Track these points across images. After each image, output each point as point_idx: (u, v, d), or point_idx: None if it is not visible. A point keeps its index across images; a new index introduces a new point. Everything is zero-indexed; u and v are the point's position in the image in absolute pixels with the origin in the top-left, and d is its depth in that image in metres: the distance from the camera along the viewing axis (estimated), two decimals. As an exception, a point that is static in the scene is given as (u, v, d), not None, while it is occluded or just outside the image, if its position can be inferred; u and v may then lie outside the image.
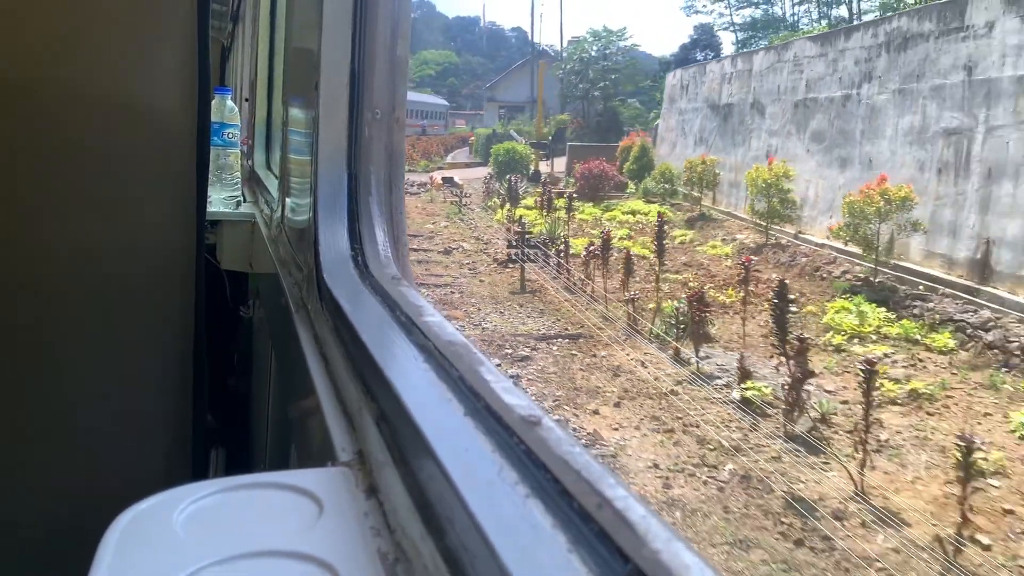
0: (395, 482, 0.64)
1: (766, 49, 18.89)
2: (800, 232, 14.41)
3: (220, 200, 2.23)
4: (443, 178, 25.33)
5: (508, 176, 22.28)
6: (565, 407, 7.50)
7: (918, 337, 9.35)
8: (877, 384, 6.44)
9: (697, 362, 8.51)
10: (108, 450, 1.58)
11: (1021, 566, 4.87)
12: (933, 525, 5.23)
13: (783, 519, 5.48)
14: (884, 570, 4.89)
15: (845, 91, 14.18)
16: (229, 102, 2.26)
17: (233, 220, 2.13)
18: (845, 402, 7.50)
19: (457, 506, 0.51)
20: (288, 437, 1.28)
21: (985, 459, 5.60)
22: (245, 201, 2.35)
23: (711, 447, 6.64)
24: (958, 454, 5.10)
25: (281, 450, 1.44)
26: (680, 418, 7.25)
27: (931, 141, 11.58)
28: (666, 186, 19.36)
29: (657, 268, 11.42)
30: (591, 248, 11.94)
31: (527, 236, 13.64)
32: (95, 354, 1.57)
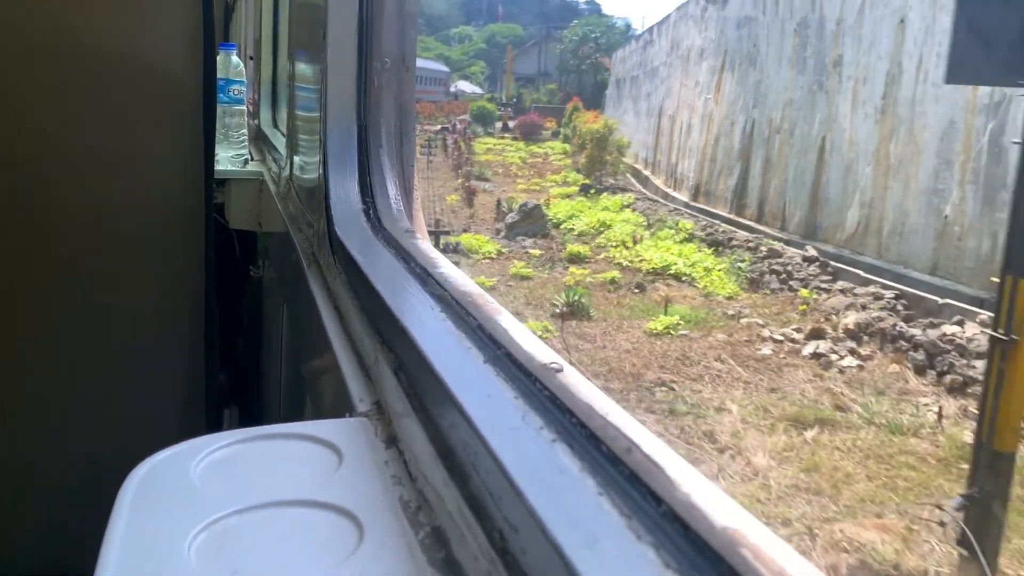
0: (415, 431, 0.63)
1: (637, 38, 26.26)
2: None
3: (227, 159, 2.21)
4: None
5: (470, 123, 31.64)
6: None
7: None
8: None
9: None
10: (122, 410, 1.59)
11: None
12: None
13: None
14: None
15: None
16: (234, 58, 2.22)
17: (241, 179, 2.11)
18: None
19: (481, 451, 0.50)
20: (302, 393, 1.28)
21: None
22: (252, 160, 2.33)
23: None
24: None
25: (295, 406, 1.44)
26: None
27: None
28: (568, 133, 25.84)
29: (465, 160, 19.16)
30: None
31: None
32: (106, 316, 1.57)
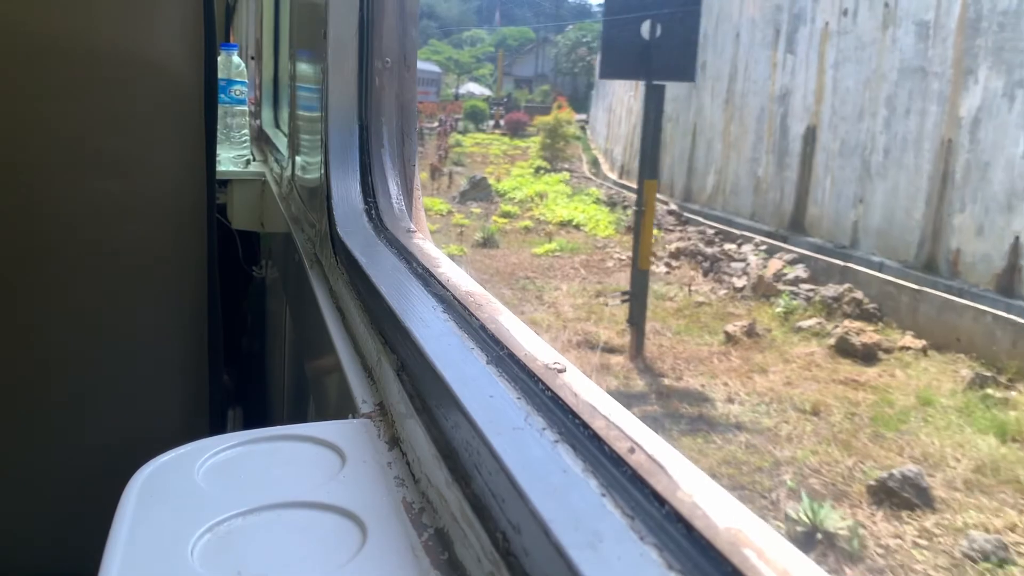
0: (418, 432, 0.63)
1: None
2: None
3: (229, 159, 2.21)
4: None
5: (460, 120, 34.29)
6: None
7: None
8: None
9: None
10: (126, 412, 1.59)
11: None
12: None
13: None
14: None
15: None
16: (236, 58, 2.22)
17: (243, 179, 2.11)
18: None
19: (484, 453, 0.50)
20: (306, 393, 1.28)
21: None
22: (254, 160, 2.33)
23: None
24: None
25: (299, 406, 1.44)
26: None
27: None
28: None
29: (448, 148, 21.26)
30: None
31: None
32: (109, 317, 1.57)
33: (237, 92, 2.22)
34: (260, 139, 2.83)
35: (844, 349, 6.36)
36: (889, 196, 7.79)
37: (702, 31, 10.38)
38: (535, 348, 0.63)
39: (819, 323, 7.00)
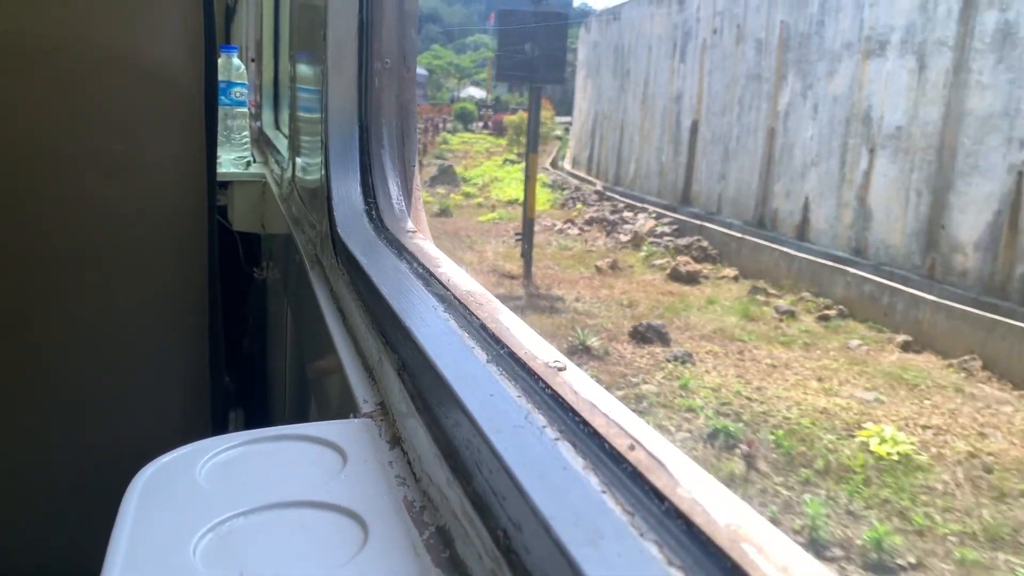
0: (419, 431, 0.63)
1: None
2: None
3: (230, 161, 2.21)
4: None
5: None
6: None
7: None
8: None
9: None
10: (128, 413, 1.59)
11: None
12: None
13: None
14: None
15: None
16: (236, 60, 2.22)
17: (244, 181, 2.11)
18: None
19: (484, 451, 0.50)
20: (307, 394, 1.28)
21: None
22: (255, 162, 2.34)
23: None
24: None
25: (300, 407, 1.44)
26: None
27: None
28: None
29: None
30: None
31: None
32: (110, 319, 1.57)
33: (237, 94, 2.22)
34: (260, 141, 2.84)
35: (675, 275, 9.18)
36: (739, 173, 10.59)
37: (627, 43, 15.19)
38: (535, 347, 0.63)
39: (668, 261, 9.76)
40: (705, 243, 10.33)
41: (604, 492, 0.43)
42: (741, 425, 4.99)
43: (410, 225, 1.12)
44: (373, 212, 1.15)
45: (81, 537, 0.98)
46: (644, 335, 6.86)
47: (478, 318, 0.71)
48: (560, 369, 0.58)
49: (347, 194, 1.17)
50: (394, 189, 1.15)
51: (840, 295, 7.72)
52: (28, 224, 1.48)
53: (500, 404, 0.55)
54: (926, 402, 5.45)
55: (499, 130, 32.75)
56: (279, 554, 0.54)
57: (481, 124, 36.73)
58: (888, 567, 3.71)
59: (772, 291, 8.42)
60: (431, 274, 0.87)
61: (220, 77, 2.02)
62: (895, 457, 4.47)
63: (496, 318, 0.71)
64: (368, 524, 0.56)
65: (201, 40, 1.51)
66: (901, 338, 6.70)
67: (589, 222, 12.86)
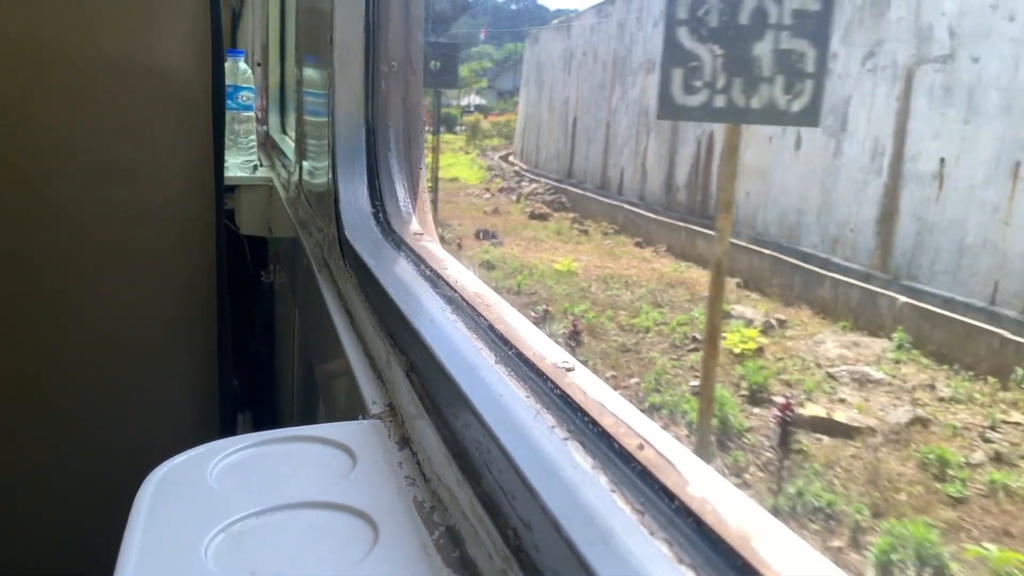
0: (428, 432, 0.64)
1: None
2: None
3: (237, 165, 2.22)
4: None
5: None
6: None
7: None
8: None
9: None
10: (137, 416, 1.60)
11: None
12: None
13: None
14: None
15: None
16: (242, 64, 2.23)
17: (251, 185, 2.12)
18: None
19: (494, 451, 0.50)
20: (315, 396, 1.29)
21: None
22: (262, 165, 2.34)
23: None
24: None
25: (308, 409, 1.45)
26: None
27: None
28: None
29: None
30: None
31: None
32: (119, 324, 1.58)
33: (244, 98, 2.23)
34: (267, 145, 2.85)
35: (532, 215, 12.92)
36: (594, 154, 14.44)
37: (543, 60, 18.62)
38: (543, 347, 0.64)
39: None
40: (564, 199, 14.63)
41: (614, 491, 0.43)
42: (502, 265, 9.11)
43: (417, 227, 1.12)
44: (380, 215, 1.16)
45: (94, 539, 0.99)
46: (483, 235, 10.87)
47: (486, 319, 0.71)
48: (569, 370, 0.58)
49: (354, 197, 1.17)
50: (401, 192, 1.16)
51: (621, 222, 12.19)
52: (37, 228, 1.49)
53: (509, 404, 0.55)
54: (614, 261, 9.79)
55: (488, 133, 35.14)
56: (290, 555, 0.54)
57: (462, 127, 39.37)
58: (520, 292, 7.90)
59: (587, 222, 12.50)
60: (439, 276, 0.87)
61: (227, 81, 2.02)
62: (566, 270, 8.76)
63: (504, 319, 0.71)
64: (378, 525, 0.57)
65: (208, 44, 1.51)
66: (636, 240, 11.13)
67: (500, 190, 16.69)
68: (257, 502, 0.60)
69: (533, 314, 7.01)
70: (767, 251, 8.53)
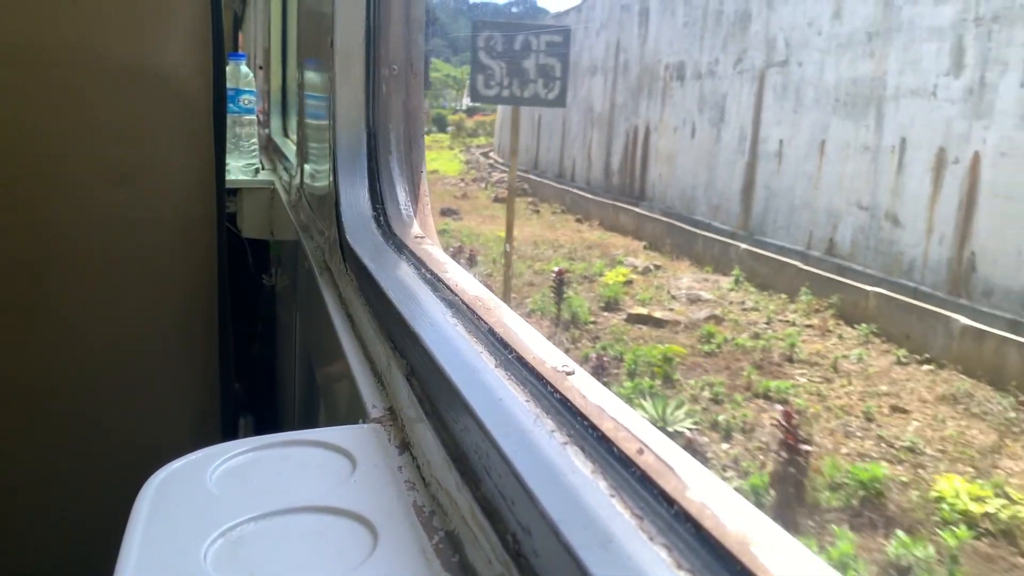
0: (428, 436, 0.64)
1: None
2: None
3: (238, 168, 2.22)
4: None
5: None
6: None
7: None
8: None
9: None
10: (138, 420, 1.60)
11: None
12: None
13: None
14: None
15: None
16: (244, 68, 2.24)
17: (252, 188, 2.12)
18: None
19: (493, 455, 0.50)
20: (316, 400, 1.29)
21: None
22: (263, 169, 2.34)
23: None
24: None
25: (309, 413, 1.45)
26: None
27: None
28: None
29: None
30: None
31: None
32: (120, 327, 1.58)
33: (246, 101, 2.23)
34: (269, 148, 2.85)
35: (495, 199, 14.78)
36: (555, 148, 17.17)
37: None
38: (543, 351, 0.63)
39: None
40: (526, 186, 17.00)
41: (613, 496, 0.43)
42: (456, 233, 11.08)
43: (418, 231, 1.12)
44: (381, 218, 1.16)
45: (93, 542, 0.99)
46: (447, 213, 12.63)
47: (486, 323, 0.71)
48: (568, 373, 0.58)
49: (355, 200, 1.17)
50: (402, 195, 1.16)
51: (568, 203, 14.74)
52: (38, 231, 1.49)
53: (509, 408, 0.55)
54: (553, 231, 12.27)
55: (472, 132, 37.26)
56: (289, 559, 0.54)
57: (452, 127, 40.76)
58: (461, 248, 9.76)
59: (541, 204, 15.32)
60: (439, 279, 0.87)
61: (228, 85, 2.03)
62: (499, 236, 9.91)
63: (504, 323, 0.71)
64: (378, 529, 0.56)
65: (209, 48, 1.51)
66: (577, 216, 13.71)
67: (473, 180, 19.03)
68: (256, 506, 0.59)
69: (464, 258, 9.23)
70: (669, 220, 11.17)
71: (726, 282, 8.84)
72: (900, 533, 3.75)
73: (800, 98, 8.77)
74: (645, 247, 10.97)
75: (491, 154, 25.47)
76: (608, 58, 14.53)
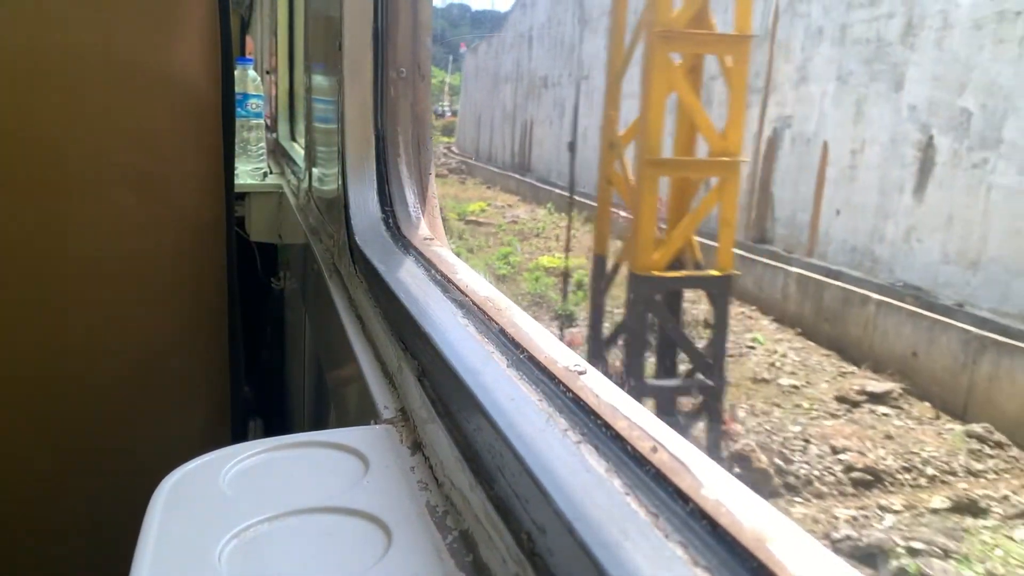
0: (440, 436, 0.64)
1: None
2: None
3: (247, 172, 2.23)
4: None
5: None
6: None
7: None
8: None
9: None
10: (149, 423, 1.60)
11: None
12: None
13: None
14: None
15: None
16: (252, 72, 2.24)
17: (261, 192, 2.12)
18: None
19: (507, 455, 0.50)
20: (326, 402, 1.29)
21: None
22: (271, 173, 2.35)
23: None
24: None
25: (319, 415, 1.45)
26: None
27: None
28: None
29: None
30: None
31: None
32: (131, 331, 1.59)
33: (254, 106, 2.24)
34: (277, 152, 2.86)
35: (435, 175, 15.84)
36: (484, 138, 24.02)
37: (469, 72, 28.76)
38: (555, 351, 0.63)
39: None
40: (464, 167, 21.99)
41: (628, 494, 0.43)
42: None
43: (427, 232, 1.12)
44: (390, 220, 1.16)
45: (108, 544, 0.99)
46: None
47: (497, 323, 0.71)
48: (581, 373, 0.58)
49: (364, 203, 1.17)
50: (411, 197, 1.16)
51: (486, 177, 20.53)
52: (47, 235, 1.50)
53: (521, 408, 0.55)
54: (464, 192, 19.65)
55: (449, 132, 38.92)
56: (303, 560, 0.54)
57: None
58: None
59: (468, 179, 20.75)
60: (449, 281, 0.87)
61: (236, 89, 2.03)
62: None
63: (515, 323, 0.71)
64: (391, 529, 0.57)
65: (217, 53, 1.52)
66: (487, 185, 20.11)
67: (450, 170, 22.37)
68: (270, 507, 0.60)
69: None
70: (534, 182, 18.11)
71: (542, 212, 15.97)
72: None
73: (591, 101, 13.96)
74: (518, 200, 18.09)
75: (453, 148, 29.92)
76: (513, 70, 21.54)
